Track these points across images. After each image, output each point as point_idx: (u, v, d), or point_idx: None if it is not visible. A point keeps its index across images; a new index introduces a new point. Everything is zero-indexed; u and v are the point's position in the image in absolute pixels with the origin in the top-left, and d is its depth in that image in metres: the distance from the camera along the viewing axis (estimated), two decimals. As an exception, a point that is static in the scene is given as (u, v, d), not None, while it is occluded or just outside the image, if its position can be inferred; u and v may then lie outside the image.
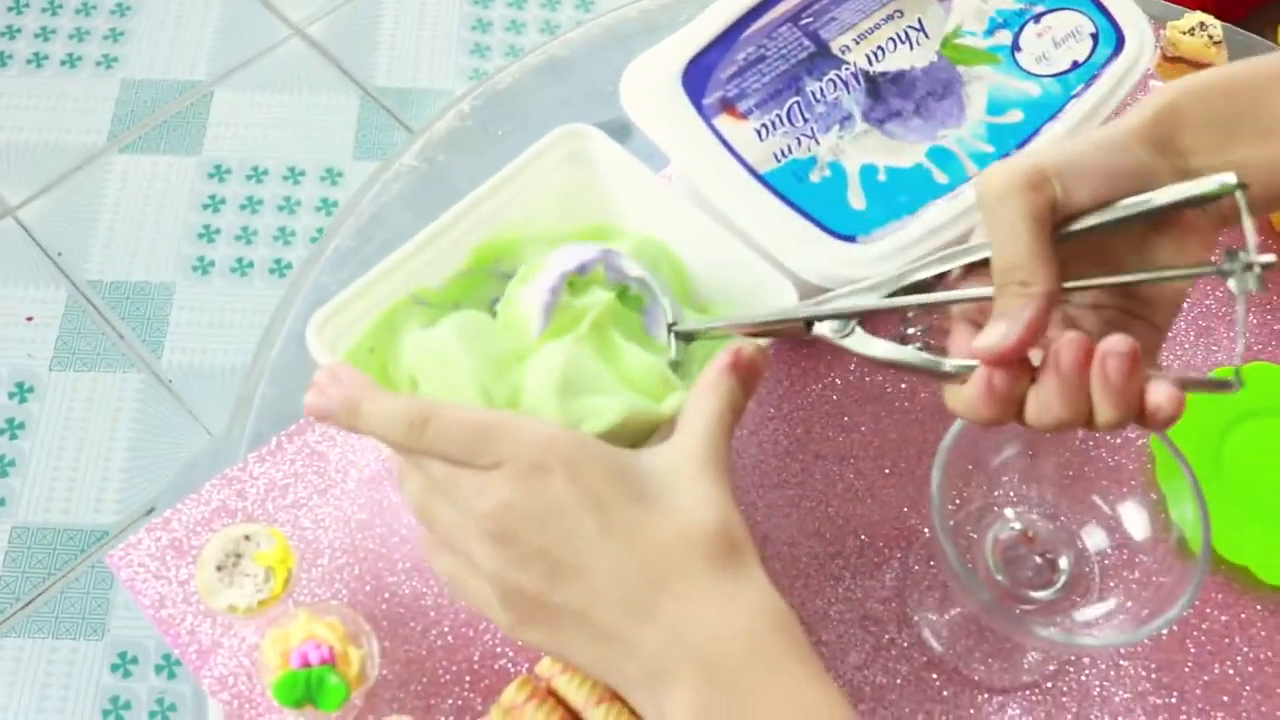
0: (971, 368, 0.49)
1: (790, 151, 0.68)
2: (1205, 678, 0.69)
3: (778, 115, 0.68)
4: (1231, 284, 0.46)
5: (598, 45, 0.91)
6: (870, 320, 0.53)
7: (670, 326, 0.60)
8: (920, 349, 0.51)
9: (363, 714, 0.65)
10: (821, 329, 0.53)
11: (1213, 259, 0.49)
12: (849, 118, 0.69)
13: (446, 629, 0.68)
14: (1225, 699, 0.69)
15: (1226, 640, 0.71)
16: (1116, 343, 0.46)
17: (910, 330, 0.52)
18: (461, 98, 0.87)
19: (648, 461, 0.49)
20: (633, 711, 0.62)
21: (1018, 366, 0.48)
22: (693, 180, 0.67)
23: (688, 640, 0.45)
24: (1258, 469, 0.76)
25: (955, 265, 0.51)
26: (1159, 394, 0.46)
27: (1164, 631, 0.70)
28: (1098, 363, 0.46)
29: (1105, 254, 0.51)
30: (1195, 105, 0.50)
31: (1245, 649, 0.70)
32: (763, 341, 0.55)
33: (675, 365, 0.59)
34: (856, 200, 0.67)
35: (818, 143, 0.68)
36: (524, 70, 0.90)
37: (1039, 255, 0.47)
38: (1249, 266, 0.46)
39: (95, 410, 1.62)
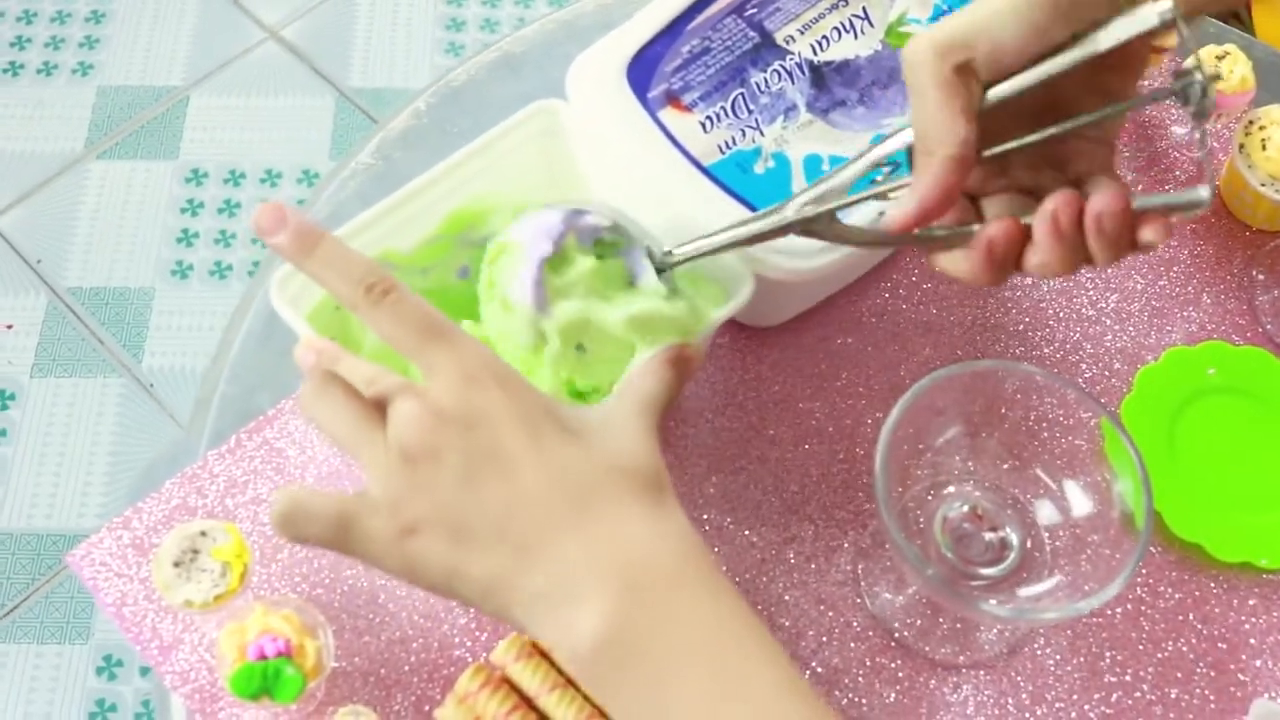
0: (968, 233, 0.51)
1: (735, 143, 0.68)
2: (1159, 655, 0.70)
3: (722, 107, 0.69)
4: (1190, 106, 0.48)
5: (553, 40, 0.92)
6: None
7: (658, 261, 0.59)
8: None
9: (322, 705, 0.66)
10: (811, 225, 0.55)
11: (1154, 85, 0.51)
12: (793, 108, 0.70)
13: (404, 621, 0.69)
14: (1179, 675, 0.70)
15: (1180, 618, 0.71)
16: (1109, 201, 0.48)
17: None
18: (417, 95, 0.88)
19: (580, 413, 0.49)
20: (586, 697, 0.63)
21: (1014, 229, 0.50)
22: (637, 174, 0.68)
23: (612, 555, 0.45)
24: (1210, 447, 0.76)
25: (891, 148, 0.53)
26: (1149, 233, 0.49)
27: (1117, 609, 0.71)
28: (1093, 220, 0.48)
29: (1056, 95, 0.51)
30: None
31: (1199, 626, 0.71)
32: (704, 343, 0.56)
33: (670, 294, 0.60)
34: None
35: (762, 134, 0.69)
36: (479, 67, 0.90)
37: (943, 122, 0.48)
38: (1204, 88, 0.48)
39: (77, 416, 1.62)
